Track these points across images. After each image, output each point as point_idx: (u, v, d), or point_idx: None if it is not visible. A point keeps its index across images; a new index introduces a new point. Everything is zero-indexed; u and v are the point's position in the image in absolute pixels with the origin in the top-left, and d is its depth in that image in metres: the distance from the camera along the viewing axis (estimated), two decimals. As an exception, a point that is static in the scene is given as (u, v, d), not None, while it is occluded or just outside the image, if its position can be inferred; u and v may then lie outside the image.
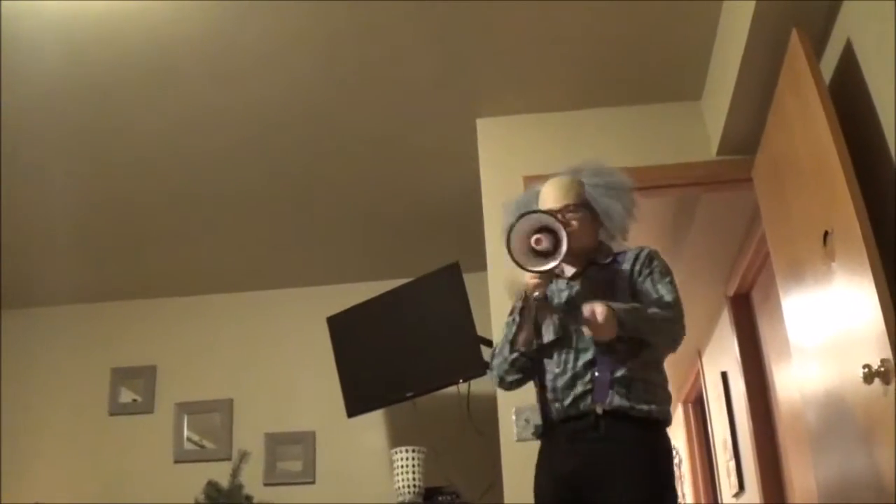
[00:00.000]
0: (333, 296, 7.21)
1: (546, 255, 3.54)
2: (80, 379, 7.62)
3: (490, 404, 5.39)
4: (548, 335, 3.73)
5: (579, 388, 3.57)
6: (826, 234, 3.95)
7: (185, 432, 7.44)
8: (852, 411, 3.84)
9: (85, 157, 6.08)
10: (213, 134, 5.93)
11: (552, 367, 3.71)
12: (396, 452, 6.31)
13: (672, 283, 3.73)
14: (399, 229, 6.96)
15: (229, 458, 7.04)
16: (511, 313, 3.80)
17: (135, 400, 7.59)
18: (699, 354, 9.43)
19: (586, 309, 3.40)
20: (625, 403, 3.49)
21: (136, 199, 6.56)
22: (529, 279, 3.58)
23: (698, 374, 9.56)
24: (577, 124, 5.77)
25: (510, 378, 3.89)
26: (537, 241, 3.54)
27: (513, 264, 3.53)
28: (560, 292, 3.80)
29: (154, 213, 6.75)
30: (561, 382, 3.64)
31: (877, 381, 3.40)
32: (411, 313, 6.50)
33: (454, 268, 6.16)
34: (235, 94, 5.59)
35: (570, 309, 3.70)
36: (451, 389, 6.35)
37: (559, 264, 3.56)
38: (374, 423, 7.10)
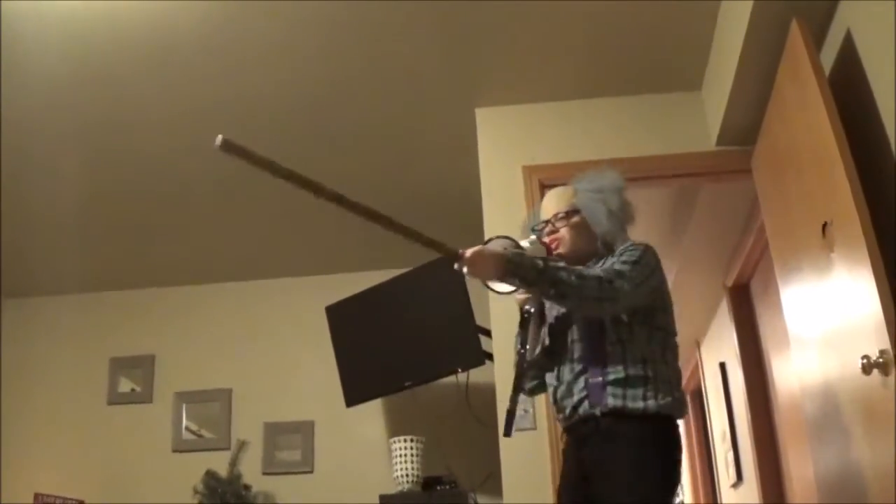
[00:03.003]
0: (332, 285, 7.23)
1: None
2: (79, 368, 7.63)
3: (489, 394, 5.39)
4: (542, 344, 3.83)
5: (576, 397, 3.60)
6: (825, 224, 3.95)
7: (184, 422, 7.45)
8: (851, 402, 3.84)
9: (86, 149, 6.08)
10: (213, 125, 5.88)
11: (551, 380, 3.79)
12: (395, 442, 6.33)
13: (630, 263, 3.60)
14: (398, 218, 6.93)
15: (228, 448, 7.08)
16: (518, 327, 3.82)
17: (133, 389, 7.60)
18: (698, 345, 9.44)
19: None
20: (619, 403, 3.48)
21: (136, 189, 6.55)
22: (518, 295, 3.68)
23: (697, 364, 9.58)
24: (577, 114, 5.76)
25: (528, 386, 3.95)
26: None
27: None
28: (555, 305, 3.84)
29: (154, 204, 6.75)
30: (559, 394, 3.70)
31: (875, 371, 3.40)
32: (410, 303, 6.51)
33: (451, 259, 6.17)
34: (236, 86, 5.59)
35: (564, 319, 3.78)
36: (450, 379, 6.36)
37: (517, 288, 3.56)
38: (372, 412, 7.11)
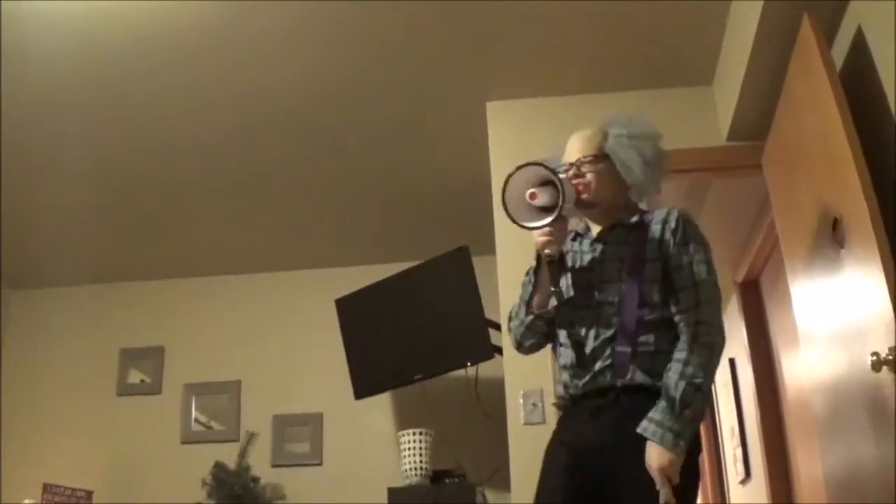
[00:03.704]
0: (342, 278, 7.23)
1: (547, 210, 3.37)
2: (89, 360, 7.64)
3: (498, 387, 5.39)
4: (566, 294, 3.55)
5: (599, 364, 3.37)
6: (835, 220, 3.95)
7: (193, 413, 7.46)
8: (860, 399, 3.83)
9: (96, 141, 6.10)
10: (223, 118, 5.93)
11: (571, 337, 3.50)
12: (404, 435, 6.33)
13: (708, 258, 3.47)
14: (408, 212, 6.96)
15: (237, 440, 7.08)
16: (528, 273, 3.63)
17: (143, 381, 7.61)
18: (707, 341, 9.41)
19: (656, 478, 3.16)
20: (647, 380, 3.29)
21: (146, 181, 6.57)
22: (537, 236, 3.44)
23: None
24: (588, 108, 5.74)
25: (528, 342, 3.71)
26: (532, 196, 3.37)
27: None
28: (583, 254, 3.60)
29: (164, 196, 6.77)
30: (580, 359, 3.44)
31: (885, 369, 3.39)
32: (420, 296, 6.51)
33: (463, 251, 6.17)
34: (245, 81, 5.61)
35: (593, 275, 3.52)
36: (459, 372, 6.35)
37: (556, 221, 3.38)
38: (381, 405, 7.12)
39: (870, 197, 3.60)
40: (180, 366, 7.61)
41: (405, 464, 6.26)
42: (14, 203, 6.58)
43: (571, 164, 3.62)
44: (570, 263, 3.61)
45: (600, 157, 3.60)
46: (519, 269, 4.93)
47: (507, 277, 5.37)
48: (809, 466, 5.98)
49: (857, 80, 4.11)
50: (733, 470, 8.61)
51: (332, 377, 7.11)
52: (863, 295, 3.71)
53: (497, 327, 5.63)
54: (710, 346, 3.30)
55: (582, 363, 3.43)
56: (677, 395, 3.18)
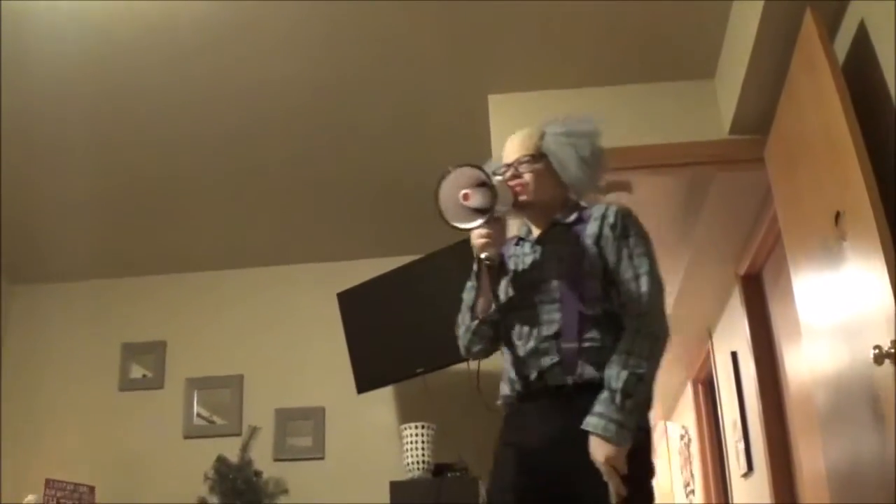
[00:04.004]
0: (344, 272, 7.23)
1: (480, 212, 3.32)
2: (91, 354, 7.65)
3: (500, 381, 5.39)
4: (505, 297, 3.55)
5: (546, 362, 3.33)
6: (838, 214, 3.95)
7: (195, 408, 7.46)
8: (862, 392, 3.83)
9: (98, 136, 6.10)
10: (225, 112, 5.94)
11: (514, 338, 3.48)
12: (406, 428, 6.33)
13: (649, 251, 3.42)
14: (410, 205, 6.93)
15: (239, 434, 7.08)
16: (471, 277, 3.60)
17: (145, 375, 7.61)
18: (709, 334, 9.43)
19: (603, 470, 3.13)
20: (596, 375, 3.23)
21: (148, 176, 6.58)
22: (475, 239, 3.44)
23: (708, 353, 9.56)
24: (590, 101, 5.75)
25: (475, 348, 3.74)
26: (464, 197, 3.33)
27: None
28: (525, 257, 3.58)
29: (166, 191, 6.78)
30: (525, 356, 3.41)
31: (887, 362, 3.40)
32: (422, 290, 6.51)
33: (465, 245, 6.16)
34: (246, 75, 5.62)
35: (534, 276, 3.50)
36: (461, 366, 6.32)
37: (492, 224, 3.36)
38: (383, 399, 7.11)
39: (872, 190, 3.60)
40: (182, 360, 7.61)
41: (407, 457, 6.26)
42: (16, 197, 6.59)
43: (509, 165, 3.61)
44: (512, 267, 3.60)
45: (538, 156, 3.58)
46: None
47: (508, 271, 5.38)
48: (811, 460, 5.99)
49: (859, 74, 4.11)
50: (735, 463, 8.62)
51: (334, 371, 7.11)
52: (865, 288, 3.71)
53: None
54: (653, 337, 3.27)
55: (528, 362, 3.40)
56: (619, 385, 3.14)
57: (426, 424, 6.30)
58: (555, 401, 3.32)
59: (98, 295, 7.86)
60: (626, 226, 3.45)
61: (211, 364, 7.55)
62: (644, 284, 3.33)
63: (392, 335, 6.62)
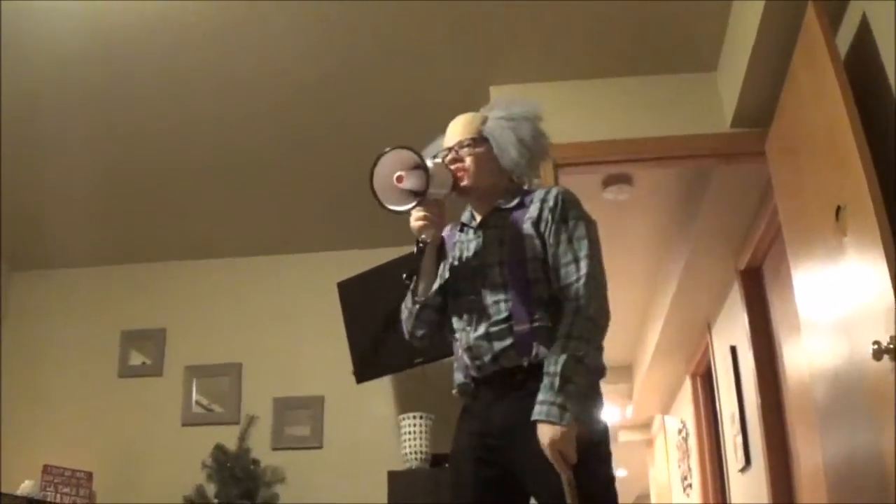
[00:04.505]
0: (344, 261, 7.21)
1: (415, 194, 3.33)
2: (91, 341, 7.64)
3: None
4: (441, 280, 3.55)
5: (498, 345, 3.31)
6: (838, 208, 3.95)
7: (194, 396, 7.45)
8: (860, 388, 3.84)
9: (101, 124, 6.12)
10: (227, 103, 5.95)
11: (462, 324, 3.46)
12: (404, 419, 6.33)
13: (590, 233, 3.37)
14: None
15: (237, 423, 7.09)
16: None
17: (144, 363, 7.60)
18: (708, 327, 9.43)
19: (551, 457, 3.09)
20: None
21: (150, 165, 6.59)
22: (413, 221, 3.44)
23: (707, 347, 9.56)
24: (592, 93, 5.76)
25: (419, 332, 3.70)
26: (398, 179, 3.33)
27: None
28: (468, 243, 3.57)
29: (167, 179, 6.78)
30: (477, 340, 3.37)
31: (886, 357, 3.40)
32: (422, 280, 6.50)
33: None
34: (247, 64, 5.63)
35: (476, 262, 3.48)
36: (460, 357, 6.35)
37: (429, 206, 3.38)
38: (382, 389, 7.10)
39: (873, 185, 3.60)
40: (181, 348, 7.60)
41: (406, 447, 6.27)
42: (17, 185, 6.59)
43: (450, 149, 3.61)
44: (457, 254, 3.58)
45: (479, 140, 3.58)
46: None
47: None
48: (809, 454, 5.99)
49: (861, 67, 4.11)
50: (733, 457, 8.63)
51: (333, 361, 7.09)
52: (864, 283, 3.72)
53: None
54: (591, 320, 3.23)
55: (481, 347, 3.36)
56: (558, 368, 3.12)
57: (424, 415, 6.30)
58: (510, 384, 3.31)
59: (98, 282, 7.85)
60: (566, 209, 3.42)
61: (210, 352, 7.54)
62: (583, 267, 3.29)
63: (391, 325, 6.60)
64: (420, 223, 3.42)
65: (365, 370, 6.71)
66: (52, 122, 6.03)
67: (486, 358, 3.35)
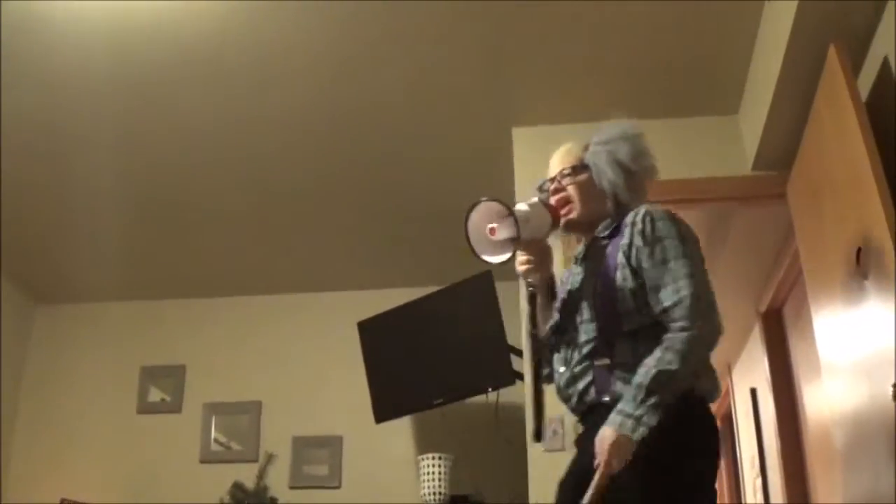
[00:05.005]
0: (365, 301, 7.23)
1: (515, 241, 3.22)
2: (110, 376, 7.66)
3: (519, 413, 5.39)
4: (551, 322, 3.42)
5: (580, 385, 3.21)
6: (859, 251, 3.94)
7: (213, 433, 7.46)
8: (881, 430, 3.81)
9: (126, 160, 6.17)
10: (250, 138, 5.97)
11: (557, 365, 3.36)
12: (423, 459, 6.33)
13: (688, 256, 3.18)
14: (433, 236, 6.95)
15: (256, 460, 7.10)
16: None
17: (163, 399, 7.62)
18: (729, 369, 9.40)
19: (599, 453, 2.97)
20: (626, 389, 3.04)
21: (173, 199, 6.62)
22: (517, 266, 3.38)
23: (728, 389, 9.52)
24: (613, 136, 5.77)
25: (543, 372, 3.44)
26: (491, 232, 3.25)
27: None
28: (574, 277, 3.43)
29: (190, 217, 6.82)
30: (564, 381, 3.28)
31: (906, 400, 3.39)
32: (442, 321, 6.51)
33: (486, 276, 6.17)
34: (278, 98, 5.65)
35: (577, 296, 3.34)
36: (480, 397, 6.35)
37: (520, 249, 3.32)
38: (401, 429, 7.10)
39: (893, 227, 3.59)
40: (201, 385, 7.62)
41: (424, 488, 6.26)
42: (43, 219, 6.65)
43: (552, 179, 3.52)
44: (569, 288, 3.43)
45: (579, 168, 3.47)
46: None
47: (529, 303, 5.39)
48: (829, 497, 5.96)
49: (882, 110, 4.11)
50: (753, 500, 8.57)
51: (352, 400, 7.10)
52: (885, 326, 3.70)
53: (519, 353, 5.63)
54: (694, 337, 3.08)
55: (566, 386, 3.29)
56: (646, 380, 2.96)
57: (443, 455, 6.30)
58: (595, 420, 3.13)
59: (120, 317, 7.89)
60: (656, 229, 3.23)
61: (229, 389, 7.55)
62: (682, 288, 3.11)
63: (411, 365, 6.62)
64: (524, 268, 3.40)
65: (384, 410, 6.72)
66: (80, 157, 6.08)
67: (574, 398, 3.27)
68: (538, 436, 3.35)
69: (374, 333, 6.92)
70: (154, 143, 6.00)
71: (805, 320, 6.00)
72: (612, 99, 5.58)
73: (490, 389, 6.23)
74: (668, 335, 3.06)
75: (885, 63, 4.15)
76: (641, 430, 2.91)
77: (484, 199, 3.30)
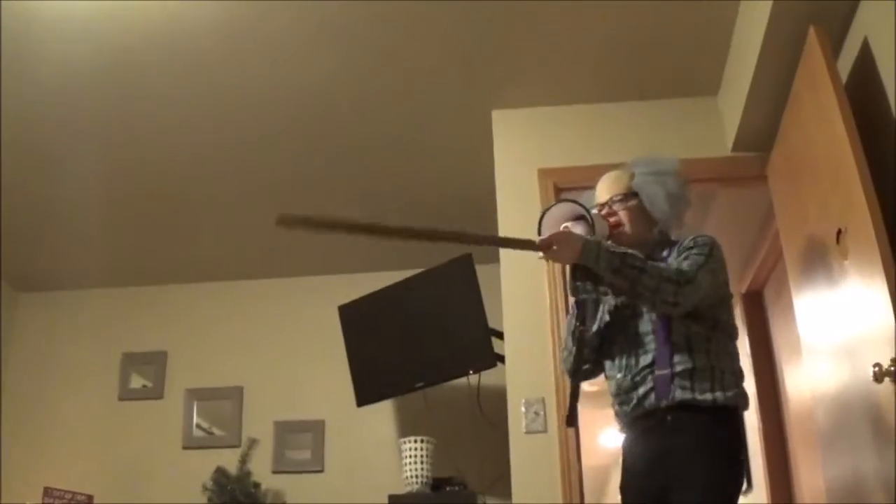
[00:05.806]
0: (345, 285, 7.22)
1: None
2: (92, 363, 7.63)
3: (500, 396, 5.39)
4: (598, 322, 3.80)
5: (641, 390, 3.58)
6: (839, 232, 3.95)
7: (195, 419, 7.44)
8: (862, 410, 3.83)
9: (105, 147, 6.13)
10: (229, 125, 5.95)
11: (614, 371, 3.73)
12: (405, 442, 6.32)
13: (708, 256, 3.62)
14: (412, 219, 6.89)
15: (238, 446, 7.09)
16: (573, 304, 3.75)
17: (145, 386, 7.59)
18: (710, 351, 9.40)
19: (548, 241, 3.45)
20: (687, 396, 3.48)
21: (152, 187, 6.58)
22: (569, 267, 3.60)
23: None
24: (594, 118, 5.77)
25: (582, 367, 3.81)
26: (565, 228, 3.52)
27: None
28: None
29: (170, 203, 6.78)
30: (624, 387, 3.65)
31: (887, 380, 3.40)
32: (423, 304, 6.51)
33: (466, 259, 6.17)
34: (251, 89, 5.64)
35: (631, 309, 3.71)
36: (462, 380, 6.36)
37: None
38: (383, 412, 7.11)
39: (873, 208, 3.61)
40: (182, 371, 7.60)
41: (406, 471, 6.26)
42: (21, 207, 6.60)
43: (603, 205, 3.84)
44: (614, 302, 3.77)
45: (629, 195, 3.82)
46: (521, 277, 4.96)
47: (509, 286, 5.39)
48: (811, 477, 5.98)
49: (862, 91, 4.12)
50: (735, 481, 8.59)
51: (334, 384, 7.10)
52: (865, 306, 3.71)
53: (500, 336, 5.62)
54: (674, 281, 3.46)
55: (626, 391, 3.65)
56: (637, 261, 3.44)
57: (425, 439, 6.29)
58: (650, 423, 3.56)
59: (100, 304, 7.85)
60: (697, 242, 3.68)
61: (211, 375, 7.53)
62: (685, 264, 3.56)
63: (392, 349, 6.61)
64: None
65: (366, 394, 6.72)
66: (59, 145, 6.04)
67: (633, 402, 3.63)
68: (570, 421, 3.84)
69: (354, 317, 6.91)
70: (134, 132, 5.97)
71: (786, 301, 6.01)
72: (591, 81, 5.64)
73: (471, 372, 6.24)
74: (671, 267, 3.53)
75: (865, 44, 4.16)
76: (588, 258, 3.41)
77: (562, 199, 3.72)
